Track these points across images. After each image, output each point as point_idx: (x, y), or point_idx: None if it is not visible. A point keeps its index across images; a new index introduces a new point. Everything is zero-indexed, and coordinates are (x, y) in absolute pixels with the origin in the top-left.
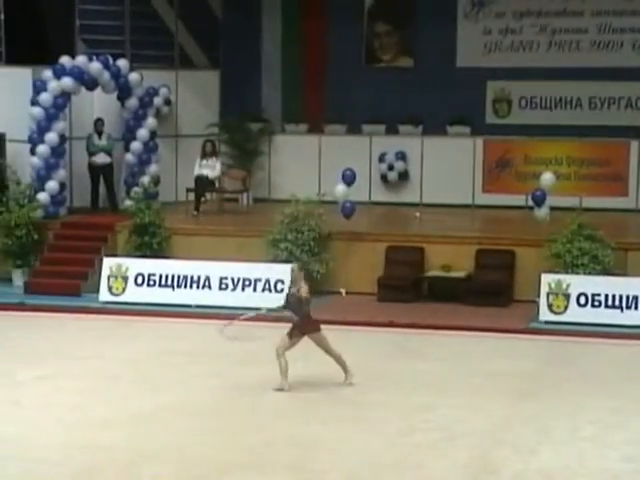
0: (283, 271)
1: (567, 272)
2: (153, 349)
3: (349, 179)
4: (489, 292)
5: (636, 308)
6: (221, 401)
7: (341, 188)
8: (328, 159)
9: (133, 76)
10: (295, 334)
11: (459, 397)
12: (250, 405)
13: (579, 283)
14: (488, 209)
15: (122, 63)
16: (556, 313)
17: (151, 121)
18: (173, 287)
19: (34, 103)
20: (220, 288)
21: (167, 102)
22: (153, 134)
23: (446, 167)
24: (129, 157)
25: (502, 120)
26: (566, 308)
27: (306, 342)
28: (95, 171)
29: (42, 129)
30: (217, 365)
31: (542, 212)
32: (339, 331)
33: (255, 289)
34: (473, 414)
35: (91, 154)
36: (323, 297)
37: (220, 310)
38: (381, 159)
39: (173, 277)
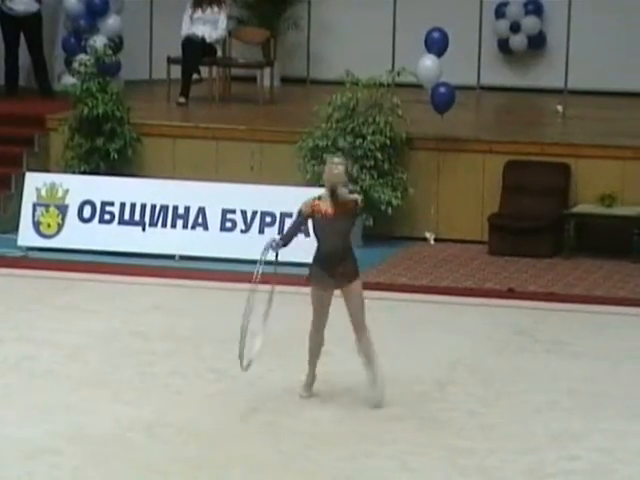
0: None
1: None
2: (109, 329)
3: (439, 46)
4: None
5: None
6: (223, 422)
7: (429, 62)
8: (407, 12)
9: None
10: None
11: (627, 421)
12: (269, 429)
13: None
14: None
15: None
16: None
17: None
18: (143, 225)
19: None
20: (222, 228)
21: None
22: None
23: (609, 27)
24: (71, 3)
25: None
26: None
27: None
28: (11, 25)
29: None
30: (215, 357)
31: None
32: (421, 303)
33: (281, 231)
34: None
35: None
36: (396, 245)
37: (222, 265)
38: (499, 13)
39: (144, 208)
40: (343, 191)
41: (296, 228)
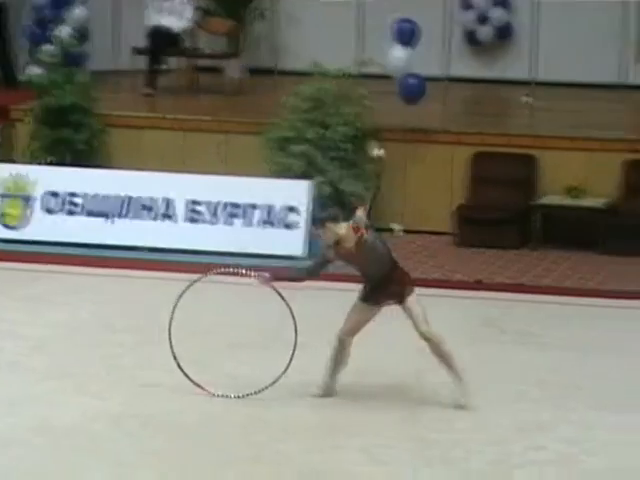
0: (296, 192)
1: None
2: (75, 321)
3: (407, 36)
4: None
5: None
6: (191, 414)
7: (398, 52)
8: (374, 2)
9: None
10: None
11: (594, 411)
12: (239, 421)
13: None
14: None
15: None
16: None
17: None
18: (110, 217)
19: None
20: (189, 219)
21: None
22: None
23: (576, 18)
24: None
25: None
26: None
27: None
28: None
29: None
30: (184, 349)
31: None
32: None
33: (249, 222)
34: (622, 439)
35: None
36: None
37: (190, 257)
38: (466, 4)
39: (110, 200)
40: (348, 235)
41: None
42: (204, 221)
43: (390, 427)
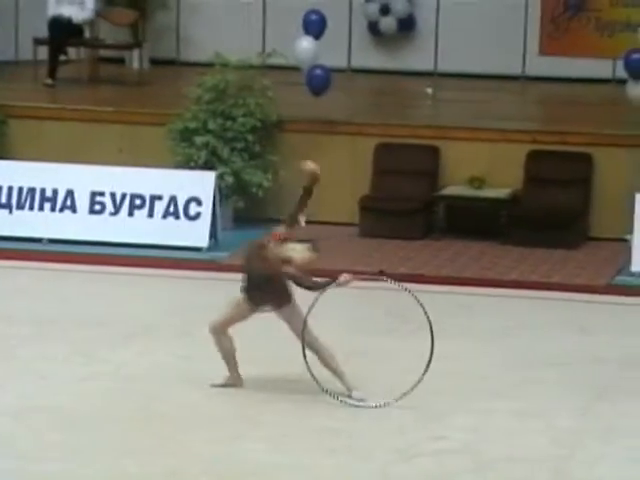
0: (200, 184)
1: None
2: None
3: (315, 28)
4: (549, 224)
5: None
6: (91, 406)
7: (305, 43)
8: None
9: None
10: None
11: (493, 400)
12: (140, 413)
13: None
14: (548, 82)
15: None
16: None
17: None
18: (10, 208)
19: None
20: (91, 211)
21: None
22: None
23: (479, 10)
24: None
25: None
26: None
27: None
28: None
29: None
30: (83, 341)
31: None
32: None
33: (151, 213)
34: (521, 427)
35: None
36: (267, 228)
37: (92, 249)
38: None
39: (10, 191)
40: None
41: None
42: (107, 212)
43: (294, 417)
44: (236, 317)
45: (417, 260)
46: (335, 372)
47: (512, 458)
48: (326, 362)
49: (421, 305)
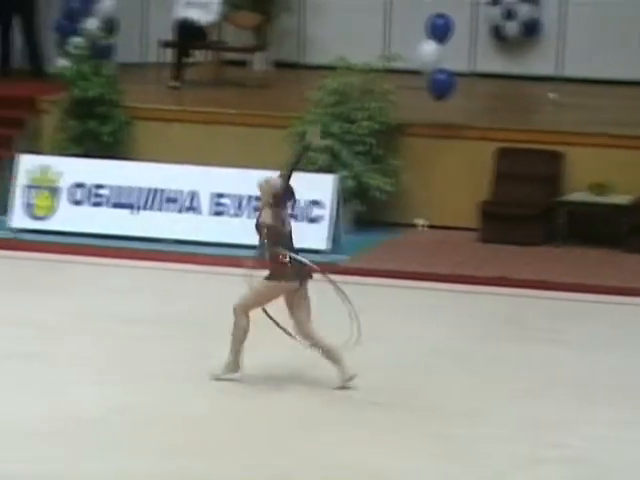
0: (320, 186)
1: None
2: (97, 311)
3: (441, 32)
4: None
5: None
6: (207, 406)
7: (429, 48)
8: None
9: None
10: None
11: (615, 408)
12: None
13: None
14: None
15: None
16: None
17: None
18: (135, 208)
19: None
20: (213, 212)
21: None
22: None
23: (606, 15)
24: None
25: None
26: None
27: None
28: (5, 7)
29: None
30: (202, 342)
31: None
32: (410, 290)
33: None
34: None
35: None
36: (387, 232)
37: (214, 249)
38: (494, 0)
39: (135, 192)
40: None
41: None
42: (229, 214)
43: (411, 422)
44: (264, 301)
45: (538, 266)
46: (334, 361)
47: (631, 468)
48: (328, 355)
49: (342, 294)
